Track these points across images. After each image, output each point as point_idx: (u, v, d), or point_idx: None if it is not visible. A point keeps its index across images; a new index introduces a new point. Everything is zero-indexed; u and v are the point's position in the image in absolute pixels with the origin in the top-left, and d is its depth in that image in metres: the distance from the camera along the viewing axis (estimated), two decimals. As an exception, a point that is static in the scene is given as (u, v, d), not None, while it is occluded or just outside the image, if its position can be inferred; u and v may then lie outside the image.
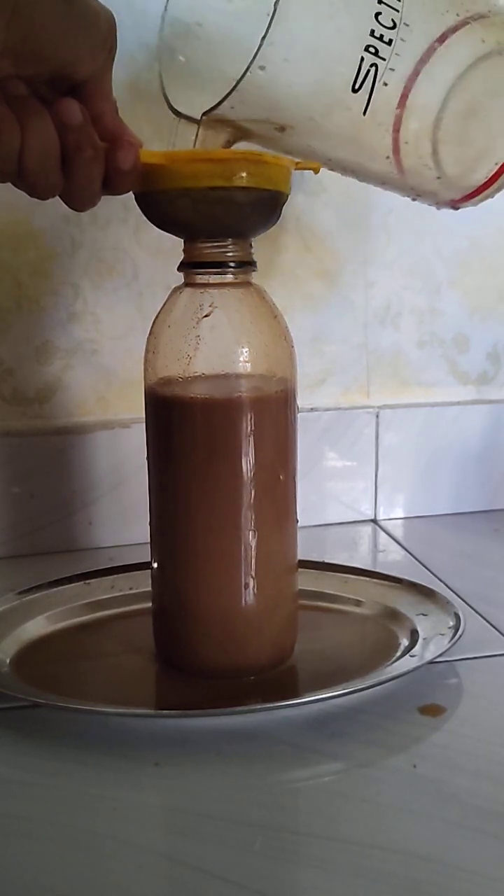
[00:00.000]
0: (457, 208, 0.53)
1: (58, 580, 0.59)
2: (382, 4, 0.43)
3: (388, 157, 0.48)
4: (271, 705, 0.45)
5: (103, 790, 0.41)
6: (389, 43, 0.43)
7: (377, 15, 0.43)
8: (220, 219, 0.45)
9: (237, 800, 0.40)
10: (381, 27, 0.43)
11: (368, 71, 0.43)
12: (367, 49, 0.43)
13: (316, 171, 0.48)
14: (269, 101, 0.45)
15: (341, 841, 0.37)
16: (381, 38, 0.43)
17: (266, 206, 0.46)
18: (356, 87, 0.44)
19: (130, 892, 0.35)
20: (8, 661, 0.51)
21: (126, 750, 0.43)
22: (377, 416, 0.76)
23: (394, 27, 0.43)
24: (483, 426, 0.78)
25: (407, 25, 0.43)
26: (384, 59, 0.44)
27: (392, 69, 0.44)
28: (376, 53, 0.43)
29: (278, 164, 0.45)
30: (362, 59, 0.43)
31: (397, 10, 0.43)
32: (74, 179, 0.42)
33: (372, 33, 0.43)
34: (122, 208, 0.68)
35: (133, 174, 0.44)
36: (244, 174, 0.44)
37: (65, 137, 0.41)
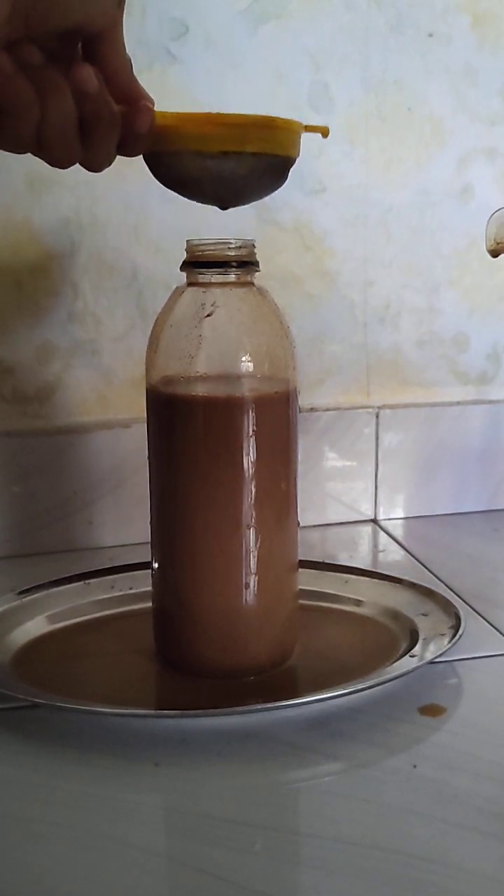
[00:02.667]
0: None
1: (58, 580, 0.59)
2: None
3: None
4: (271, 705, 0.45)
5: (103, 790, 0.41)
6: None
7: None
8: (228, 182, 0.45)
9: (237, 800, 0.40)
10: None
11: None
12: None
13: (324, 134, 0.47)
14: None
15: (342, 841, 0.37)
16: None
17: (276, 170, 0.46)
18: None
19: (130, 892, 0.35)
20: (8, 661, 0.51)
21: (126, 750, 0.43)
22: (377, 416, 0.76)
23: None
24: (483, 426, 0.78)
25: None
26: None
27: None
28: None
29: (289, 128, 0.45)
30: None
31: None
32: (92, 146, 0.42)
33: None
34: (123, 208, 0.68)
35: (149, 137, 0.43)
36: (255, 139, 0.43)
37: (82, 105, 0.40)
